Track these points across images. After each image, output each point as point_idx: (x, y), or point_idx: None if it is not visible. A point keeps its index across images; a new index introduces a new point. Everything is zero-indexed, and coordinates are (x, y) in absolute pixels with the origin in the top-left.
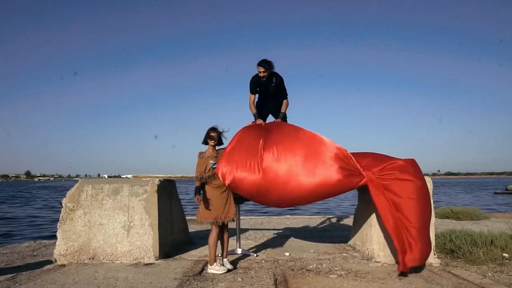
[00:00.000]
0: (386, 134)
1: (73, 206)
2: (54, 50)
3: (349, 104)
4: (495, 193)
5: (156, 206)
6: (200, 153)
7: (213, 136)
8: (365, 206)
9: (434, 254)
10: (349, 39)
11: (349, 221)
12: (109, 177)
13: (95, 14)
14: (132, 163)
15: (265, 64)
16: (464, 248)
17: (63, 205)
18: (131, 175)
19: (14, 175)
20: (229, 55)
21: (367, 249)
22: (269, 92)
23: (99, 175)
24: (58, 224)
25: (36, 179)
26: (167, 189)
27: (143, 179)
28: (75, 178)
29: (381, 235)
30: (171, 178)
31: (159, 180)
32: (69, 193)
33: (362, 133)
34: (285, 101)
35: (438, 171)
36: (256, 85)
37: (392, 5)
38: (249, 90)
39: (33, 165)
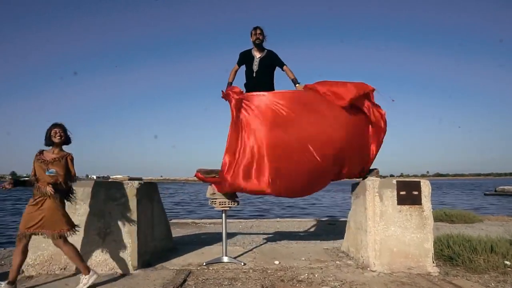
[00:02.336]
0: None
1: None
2: (53, 50)
3: None
4: (485, 194)
5: (135, 211)
6: (39, 153)
7: (57, 133)
8: (360, 211)
9: (433, 262)
10: (349, 39)
11: (340, 225)
12: (97, 177)
13: (95, 14)
14: (125, 164)
15: (262, 29)
16: (464, 256)
17: None
18: (121, 176)
19: None
20: (230, 55)
21: (361, 257)
22: (252, 74)
23: (87, 175)
24: None
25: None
26: (147, 193)
27: (121, 182)
28: None
29: (377, 242)
30: (153, 181)
31: (139, 183)
32: None
33: None
34: (285, 67)
35: (427, 172)
36: (244, 59)
37: (392, 5)
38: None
39: (19, 166)
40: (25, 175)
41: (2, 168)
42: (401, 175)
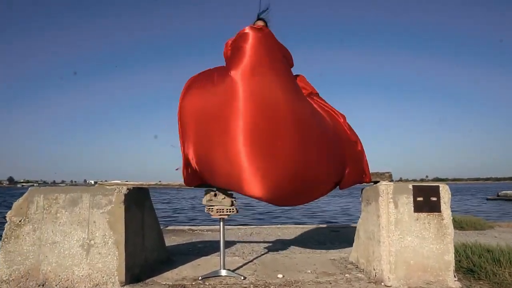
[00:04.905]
0: (376, 138)
1: (20, 221)
2: (53, 51)
3: (348, 104)
4: (487, 199)
5: (122, 220)
6: None
7: None
8: (372, 219)
9: (454, 276)
10: (349, 38)
11: (344, 231)
12: (95, 183)
13: (95, 15)
14: (123, 169)
15: (265, 21)
16: (487, 268)
17: (8, 219)
18: (119, 181)
19: None
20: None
21: (374, 270)
22: None
23: (85, 180)
24: (0, 243)
25: (19, 185)
26: (137, 199)
27: (108, 187)
28: (60, 184)
29: (392, 253)
30: (143, 186)
31: (127, 189)
32: (15, 204)
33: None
34: None
35: (426, 176)
36: None
37: (392, 6)
38: None
39: (16, 171)
40: (22, 180)
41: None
42: (400, 180)
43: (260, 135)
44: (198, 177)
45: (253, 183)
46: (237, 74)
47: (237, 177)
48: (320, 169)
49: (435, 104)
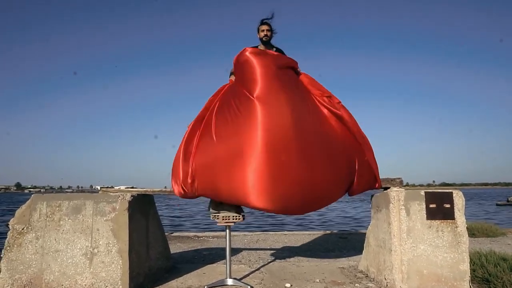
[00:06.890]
0: (380, 142)
1: (23, 229)
2: (53, 56)
3: (348, 106)
4: (497, 204)
5: (126, 228)
6: None
7: None
8: (382, 226)
9: (470, 286)
10: (348, 39)
11: (352, 238)
12: (101, 188)
13: (95, 16)
14: (130, 174)
15: (270, 25)
16: (504, 278)
17: (10, 227)
18: (125, 187)
19: (3, 186)
20: (229, 56)
21: (385, 279)
22: None
23: (91, 186)
24: (2, 251)
25: (26, 191)
26: (142, 206)
27: (112, 194)
28: (66, 190)
29: (404, 262)
30: (148, 193)
31: (131, 196)
32: (18, 211)
33: None
34: None
35: (433, 181)
36: None
37: (392, 6)
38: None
39: (23, 177)
40: (29, 186)
41: (7, 179)
42: (407, 185)
43: (272, 156)
44: (194, 191)
45: (259, 198)
46: (253, 101)
47: (242, 193)
48: (327, 181)
49: (438, 106)
